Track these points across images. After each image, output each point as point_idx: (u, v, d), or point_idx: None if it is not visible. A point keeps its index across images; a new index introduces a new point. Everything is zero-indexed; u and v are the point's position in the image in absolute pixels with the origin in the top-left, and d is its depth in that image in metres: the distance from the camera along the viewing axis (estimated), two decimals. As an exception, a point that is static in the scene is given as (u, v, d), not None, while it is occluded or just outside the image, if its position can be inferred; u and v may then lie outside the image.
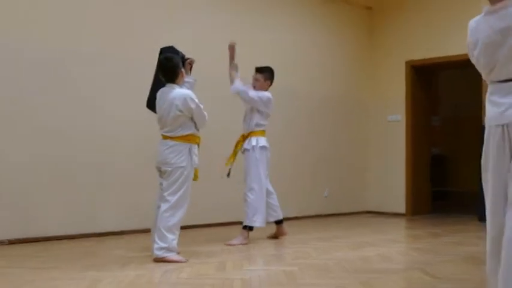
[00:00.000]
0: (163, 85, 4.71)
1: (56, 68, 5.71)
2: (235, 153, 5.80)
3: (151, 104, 4.90)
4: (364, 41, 9.50)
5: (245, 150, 5.75)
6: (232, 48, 5.71)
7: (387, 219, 8.51)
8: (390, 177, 9.18)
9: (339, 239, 6.02)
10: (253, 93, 5.67)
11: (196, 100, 4.61)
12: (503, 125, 2.90)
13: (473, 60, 3.15)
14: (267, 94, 5.76)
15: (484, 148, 3.00)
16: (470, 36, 3.12)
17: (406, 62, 9.03)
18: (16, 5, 5.47)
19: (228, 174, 5.78)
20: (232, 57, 5.74)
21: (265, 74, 5.81)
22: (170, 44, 4.97)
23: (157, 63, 4.81)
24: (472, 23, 3.11)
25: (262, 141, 5.72)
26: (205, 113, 4.70)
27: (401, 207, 8.98)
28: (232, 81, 5.70)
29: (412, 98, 9.03)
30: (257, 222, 5.58)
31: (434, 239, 6.11)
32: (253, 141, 5.69)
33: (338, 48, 9.03)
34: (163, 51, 4.89)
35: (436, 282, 3.81)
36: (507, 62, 2.92)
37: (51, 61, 5.68)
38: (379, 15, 9.51)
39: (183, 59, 4.90)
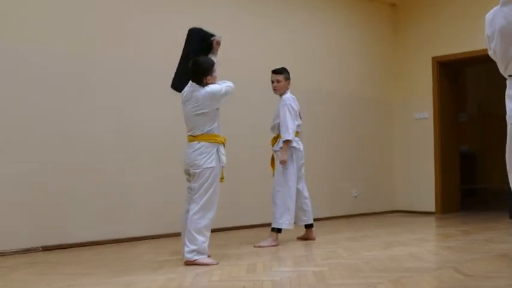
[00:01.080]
0: (187, 64, 4.75)
1: (77, 76, 5.79)
2: (272, 156, 5.82)
3: (176, 84, 4.93)
4: (388, 38, 9.45)
5: (274, 151, 5.77)
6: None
7: (417, 218, 8.44)
8: (419, 176, 9.12)
9: (369, 239, 6.00)
10: (291, 120, 5.64)
11: (221, 87, 4.66)
12: None
13: (491, 53, 3.08)
14: (290, 101, 5.72)
15: (507, 145, 2.94)
16: (487, 28, 3.05)
17: (433, 58, 8.97)
18: (33, 15, 5.55)
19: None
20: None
21: (284, 74, 5.78)
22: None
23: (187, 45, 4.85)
24: (489, 14, 3.04)
25: (292, 142, 5.72)
26: (229, 82, 4.75)
27: (431, 206, 8.91)
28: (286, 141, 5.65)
29: (440, 95, 8.96)
30: (284, 224, 5.58)
31: (465, 237, 6.05)
32: (281, 142, 5.68)
33: (362, 46, 9.00)
34: (192, 32, 4.95)
35: (467, 280, 3.77)
36: None
37: (74, 69, 5.75)
38: (404, 12, 9.46)
39: (211, 39, 4.94)
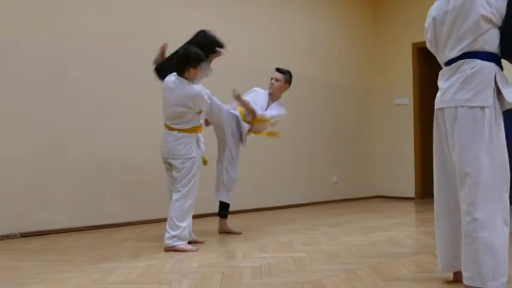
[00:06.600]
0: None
1: (59, 67, 5.71)
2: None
3: (159, 67, 4.92)
4: (369, 23, 9.46)
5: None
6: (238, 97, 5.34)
7: (397, 203, 8.51)
8: (399, 161, 9.18)
9: (349, 224, 6.03)
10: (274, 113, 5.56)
11: (207, 97, 4.62)
12: (441, 109, 2.98)
13: (428, 46, 3.18)
14: (282, 111, 5.63)
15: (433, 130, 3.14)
16: (426, 20, 3.15)
17: (413, 44, 8.99)
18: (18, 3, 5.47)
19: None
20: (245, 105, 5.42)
21: (286, 76, 5.64)
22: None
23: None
24: (432, 6, 3.15)
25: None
26: (221, 104, 4.74)
27: (411, 191, 8.98)
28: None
29: (420, 81, 9.00)
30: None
31: (444, 222, 6.09)
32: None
33: (343, 32, 8.99)
34: (203, 33, 4.99)
35: (445, 265, 3.80)
36: (447, 43, 2.95)
37: (55, 57, 5.68)
38: (384, -2, 9.47)
39: (216, 48, 4.96)
